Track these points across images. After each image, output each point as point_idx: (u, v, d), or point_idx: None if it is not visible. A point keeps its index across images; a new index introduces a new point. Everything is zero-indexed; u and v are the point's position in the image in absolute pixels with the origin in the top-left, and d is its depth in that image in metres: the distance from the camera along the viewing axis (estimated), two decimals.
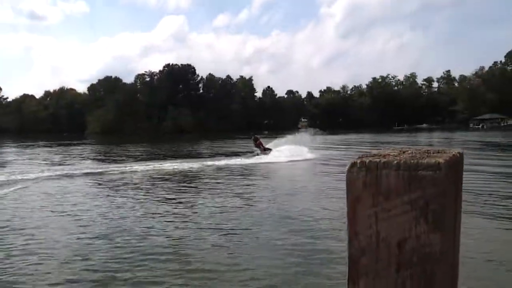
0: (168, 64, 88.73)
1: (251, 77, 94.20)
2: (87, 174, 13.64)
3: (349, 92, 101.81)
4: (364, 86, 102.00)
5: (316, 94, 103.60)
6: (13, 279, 4.41)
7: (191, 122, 78.17)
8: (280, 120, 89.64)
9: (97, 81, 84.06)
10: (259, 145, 22.33)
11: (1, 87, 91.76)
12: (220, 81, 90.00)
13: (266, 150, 21.38)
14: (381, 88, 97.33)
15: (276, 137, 25.11)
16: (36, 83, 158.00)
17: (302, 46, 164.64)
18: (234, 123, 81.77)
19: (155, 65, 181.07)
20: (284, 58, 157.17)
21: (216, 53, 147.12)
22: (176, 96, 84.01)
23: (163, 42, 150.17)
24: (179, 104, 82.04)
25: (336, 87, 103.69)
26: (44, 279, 4.39)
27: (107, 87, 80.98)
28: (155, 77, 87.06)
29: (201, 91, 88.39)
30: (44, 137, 55.07)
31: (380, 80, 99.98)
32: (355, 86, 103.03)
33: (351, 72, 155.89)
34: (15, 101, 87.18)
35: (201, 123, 79.22)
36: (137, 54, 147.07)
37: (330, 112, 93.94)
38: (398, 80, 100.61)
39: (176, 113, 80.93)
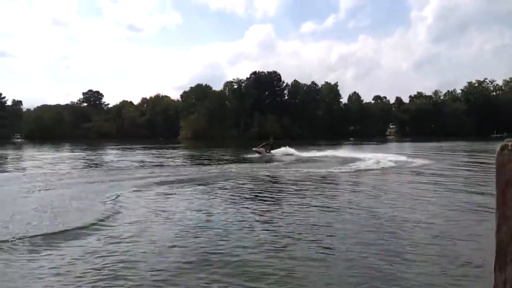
0: (255, 72, 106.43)
1: (336, 83, 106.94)
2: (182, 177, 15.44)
3: (441, 97, 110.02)
4: (458, 91, 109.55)
5: (406, 99, 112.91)
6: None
7: (277, 128, 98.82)
8: (367, 127, 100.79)
9: (189, 88, 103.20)
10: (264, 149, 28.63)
11: (103, 93, 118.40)
12: (305, 88, 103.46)
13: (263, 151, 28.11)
14: (477, 93, 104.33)
15: (361, 144, 31.24)
16: (134, 90, 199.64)
17: (390, 50, 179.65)
18: (318, 129, 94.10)
19: (244, 72, 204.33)
20: (371, 63, 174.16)
21: (302, 60, 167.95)
22: (262, 103, 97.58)
23: (251, 50, 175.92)
24: (265, 110, 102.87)
25: (427, 92, 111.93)
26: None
27: (198, 94, 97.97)
28: (243, 84, 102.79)
29: (286, 97, 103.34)
30: (142, 141, 69.77)
31: (476, 84, 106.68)
32: (448, 91, 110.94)
33: (443, 77, 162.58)
34: (115, 107, 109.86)
35: (286, 129, 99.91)
36: (226, 62, 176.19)
37: (421, 119, 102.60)
38: (497, 85, 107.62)
39: (262, 120, 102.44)
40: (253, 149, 28.51)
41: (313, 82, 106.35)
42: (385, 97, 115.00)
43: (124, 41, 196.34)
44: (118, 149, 43.75)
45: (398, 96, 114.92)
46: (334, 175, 16.21)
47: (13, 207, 9.40)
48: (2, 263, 5.63)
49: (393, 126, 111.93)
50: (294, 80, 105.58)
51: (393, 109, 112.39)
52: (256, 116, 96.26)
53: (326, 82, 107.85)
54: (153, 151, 37.30)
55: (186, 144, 63.54)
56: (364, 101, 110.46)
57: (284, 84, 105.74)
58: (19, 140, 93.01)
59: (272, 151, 28.82)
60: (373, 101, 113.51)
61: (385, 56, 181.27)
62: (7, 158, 29.59)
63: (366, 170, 18.06)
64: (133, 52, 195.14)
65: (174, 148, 45.03)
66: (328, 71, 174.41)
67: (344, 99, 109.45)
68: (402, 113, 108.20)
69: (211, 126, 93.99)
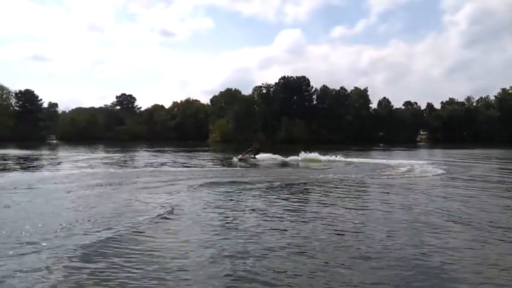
0: (284, 76, 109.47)
1: (366, 88, 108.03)
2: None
3: (474, 104, 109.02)
4: (492, 98, 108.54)
5: (437, 105, 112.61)
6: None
7: (304, 132, 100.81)
8: (396, 133, 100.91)
9: (218, 92, 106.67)
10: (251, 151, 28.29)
11: (136, 97, 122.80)
12: (334, 92, 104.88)
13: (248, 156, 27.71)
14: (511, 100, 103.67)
15: (390, 150, 32.05)
16: (165, 94, 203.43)
17: (422, 55, 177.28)
18: (347, 134, 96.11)
19: (273, 77, 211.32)
20: (402, 68, 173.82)
21: (331, 65, 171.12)
22: (290, 107, 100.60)
23: (281, 55, 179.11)
24: (293, 115, 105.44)
25: (460, 98, 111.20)
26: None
27: (227, 98, 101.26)
28: (271, 88, 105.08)
29: (314, 102, 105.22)
30: (172, 143, 71.80)
31: (510, 91, 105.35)
32: (481, 97, 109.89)
33: (476, 83, 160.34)
34: (147, 110, 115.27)
35: (314, 134, 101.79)
36: (256, 67, 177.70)
37: (452, 125, 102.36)
38: None
39: (289, 124, 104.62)
40: (238, 157, 27.37)
41: (342, 87, 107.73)
42: (416, 103, 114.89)
43: (157, 46, 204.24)
44: (152, 151, 45.23)
45: (429, 102, 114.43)
46: (366, 182, 15.70)
47: (91, 207, 9.50)
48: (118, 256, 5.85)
49: (424, 133, 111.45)
50: (323, 85, 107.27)
51: (424, 115, 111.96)
52: (284, 120, 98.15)
53: (356, 87, 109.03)
54: (188, 153, 38.89)
55: (215, 147, 65.38)
56: (394, 107, 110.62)
57: (313, 89, 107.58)
58: (54, 141, 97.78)
59: (256, 157, 28.13)
60: (403, 107, 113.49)
61: (417, 61, 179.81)
62: (55, 158, 31.31)
63: (401, 177, 17.46)
64: (165, 56, 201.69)
65: (204, 151, 46.56)
66: (358, 76, 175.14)
67: (374, 105, 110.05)
68: (434, 120, 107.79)
69: (239, 130, 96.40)
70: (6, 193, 11.59)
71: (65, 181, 14.46)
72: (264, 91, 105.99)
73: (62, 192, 11.94)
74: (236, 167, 22.47)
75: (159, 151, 44.49)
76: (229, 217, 8.65)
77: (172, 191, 12.01)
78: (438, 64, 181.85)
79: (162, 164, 24.01)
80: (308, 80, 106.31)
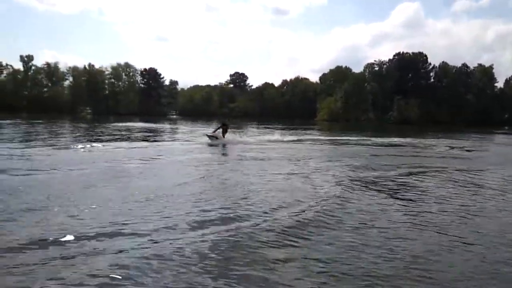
0: (399, 53, 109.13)
1: (492, 65, 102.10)
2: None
3: None
4: None
5: None
6: None
7: (419, 113, 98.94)
8: None
9: (328, 70, 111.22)
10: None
11: (248, 75, 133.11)
12: (454, 70, 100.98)
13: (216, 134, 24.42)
14: None
15: None
16: (275, 73, 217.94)
17: None
18: (467, 115, 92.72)
19: (386, 54, 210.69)
20: None
21: (452, 40, 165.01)
22: (404, 86, 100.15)
23: (395, 30, 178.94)
24: (407, 94, 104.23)
25: None
26: None
27: (337, 76, 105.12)
28: (384, 66, 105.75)
29: (431, 80, 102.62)
30: (280, 120, 78.33)
31: None
32: None
33: None
34: (258, 88, 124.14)
35: (430, 115, 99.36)
36: (367, 44, 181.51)
37: None
38: None
39: (402, 103, 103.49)
40: (206, 134, 25.31)
41: (464, 64, 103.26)
42: None
43: (268, 24, 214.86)
44: (267, 127, 49.22)
45: None
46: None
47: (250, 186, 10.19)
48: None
49: None
50: (442, 62, 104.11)
51: None
52: (396, 100, 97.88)
53: (479, 65, 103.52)
54: (299, 131, 42.50)
55: (322, 126, 68.53)
56: None
57: (431, 66, 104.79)
58: (174, 116, 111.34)
59: (225, 136, 25.17)
60: None
61: None
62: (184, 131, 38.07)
63: None
64: (276, 35, 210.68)
65: (311, 129, 49.88)
66: (482, 52, 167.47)
67: (499, 83, 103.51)
68: None
69: (348, 109, 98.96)
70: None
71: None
72: (377, 69, 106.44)
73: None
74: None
75: (273, 128, 47.59)
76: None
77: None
78: None
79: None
80: (425, 56, 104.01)
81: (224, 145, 22.91)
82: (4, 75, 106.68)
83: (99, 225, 6.28)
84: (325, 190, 9.75)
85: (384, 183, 11.33)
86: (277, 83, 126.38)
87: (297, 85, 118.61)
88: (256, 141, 25.75)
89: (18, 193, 8.38)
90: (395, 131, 50.79)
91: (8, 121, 45.36)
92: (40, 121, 50.24)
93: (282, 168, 13.35)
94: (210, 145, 22.54)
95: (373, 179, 11.83)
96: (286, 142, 26.75)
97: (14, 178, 10.29)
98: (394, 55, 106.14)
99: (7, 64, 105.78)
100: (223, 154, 19.21)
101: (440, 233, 6.63)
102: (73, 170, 11.74)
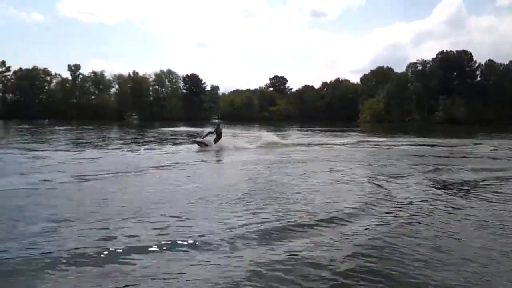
0: (442, 51, 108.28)
1: None
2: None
3: None
4: None
5: None
6: None
7: (465, 112, 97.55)
8: None
9: (369, 71, 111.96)
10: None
11: (287, 78, 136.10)
12: (501, 68, 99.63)
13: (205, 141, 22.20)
14: None
15: None
16: (314, 75, 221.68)
17: None
18: None
19: (428, 53, 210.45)
20: None
21: (498, 37, 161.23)
22: (449, 85, 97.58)
23: (438, 28, 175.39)
24: (452, 93, 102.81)
25: None
26: None
27: (379, 77, 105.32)
28: (427, 65, 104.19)
29: (478, 79, 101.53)
30: (322, 123, 78.26)
31: None
32: None
33: None
34: (297, 91, 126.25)
35: (476, 113, 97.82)
36: (409, 43, 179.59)
37: None
38: None
39: (448, 103, 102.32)
40: (195, 140, 23.55)
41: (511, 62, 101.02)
42: None
43: (306, 26, 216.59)
44: (313, 131, 48.71)
45: None
46: None
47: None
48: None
49: None
50: (489, 60, 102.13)
51: None
52: (441, 99, 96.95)
53: None
54: (345, 133, 42.39)
55: (366, 127, 68.43)
56: None
57: (476, 64, 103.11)
58: (216, 120, 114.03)
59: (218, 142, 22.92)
60: None
61: None
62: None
63: None
64: (315, 37, 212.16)
65: (353, 131, 50.01)
66: None
67: None
68: None
69: (391, 110, 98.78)
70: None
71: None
72: (420, 68, 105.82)
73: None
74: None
75: (318, 131, 48.39)
76: None
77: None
78: None
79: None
80: (470, 54, 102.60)
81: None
82: (54, 84, 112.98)
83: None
84: (412, 195, 9.52)
85: (473, 187, 10.87)
86: (317, 85, 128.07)
87: (338, 87, 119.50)
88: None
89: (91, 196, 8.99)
90: (446, 131, 50.29)
91: (61, 128, 49.00)
92: (90, 127, 53.52)
93: (354, 172, 13.24)
94: (201, 150, 21.00)
95: (456, 183, 11.39)
96: (345, 145, 26.69)
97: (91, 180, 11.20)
98: (438, 54, 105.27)
99: (56, 74, 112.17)
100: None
101: None
102: (129, 174, 12.63)
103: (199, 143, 22.38)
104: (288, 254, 5.39)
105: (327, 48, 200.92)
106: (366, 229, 6.65)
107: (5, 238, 5.88)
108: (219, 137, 22.99)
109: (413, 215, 7.60)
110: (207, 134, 23.33)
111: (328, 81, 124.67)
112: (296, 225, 6.65)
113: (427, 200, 8.92)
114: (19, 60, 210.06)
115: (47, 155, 17.40)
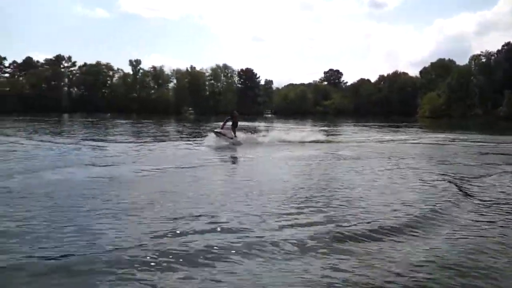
0: (508, 43, 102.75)
1: None
2: None
3: None
4: None
5: None
6: None
7: None
8: None
9: (429, 64, 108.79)
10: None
11: (343, 72, 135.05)
12: None
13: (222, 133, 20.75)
14: None
15: None
16: (371, 68, 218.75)
17: None
18: None
19: (493, 44, 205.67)
20: None
21: None
22: None
23: (504, 19, 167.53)
24: None
25: None
26: None
27: (440, 69, 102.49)
28: (492, 57, 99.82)
29: None
30: (378, 118, 78.31)
31: None
32: None
33: None
34: (353, 85, 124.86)
35: None
36: (472, 34, 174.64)
37: None
38: None
39: None
40: (215, 131, 21.47)
41: None
42: None
43: (364, 18, 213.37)
44: (370, 126, 47.31)
45: None
46: None
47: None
48: None
49: None
50: None
51: None
52: (506, 93, 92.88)
53: None
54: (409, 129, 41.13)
55: (424, 122, 66.81)
56: None
57: None
58: (269, 115, 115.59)
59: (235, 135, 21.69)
60: None
61: None
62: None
63: None
64: (372, 29, 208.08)
65: (412, 126, 48.75)
66: None
67: None
68: None
69: (452, 104, 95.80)
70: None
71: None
72: (484, 60, 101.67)
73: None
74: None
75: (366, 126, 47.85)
76: None
77: None
78: None
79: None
80: None
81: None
82: (116, 78, 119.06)
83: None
84: (497, 197, 8.97)
85: None
86: (373, 78, 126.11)
87: (395, 80, 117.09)
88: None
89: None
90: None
91: (122, 121, 52.31)
92: (150, 121, 56.36)
93: (422, 170, 12.79)
94: (217, 148, 19.59)
95: None
96: (405, 141, 25.59)
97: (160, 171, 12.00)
98: (503, 46, 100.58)
99: (118, 69, 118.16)
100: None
101: None
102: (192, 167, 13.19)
103: (218, 133, 20.81)
104: (358, 261, 5.06)
105: (385, 40, 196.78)
106: (447, 238, 6.04)
107: (75, 229, 6.10)
108: (235, 125, 22.06)
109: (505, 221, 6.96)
110: (225, 122, 22.06)
111: (385, 74, 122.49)
112: (364, 231, 6.13)
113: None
114: (84, 55, 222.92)
115: (113, 147, 18.92)
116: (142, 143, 21.79)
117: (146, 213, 7.04)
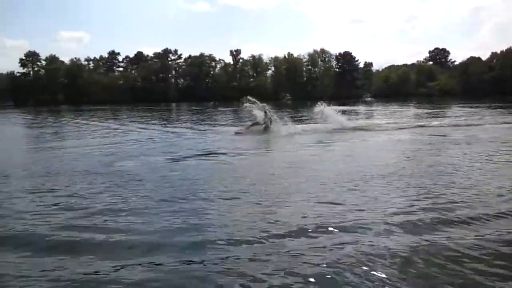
0: None
1: None
2: None
3: None
4: None
5: None
6: None
7: None
8: None
9: None
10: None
11: (450, 51, 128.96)
12: None
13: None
14: None
15: None
16: (481, 46, 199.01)
17: None
18: None
19: None
20: None
21: None
22: None
23: None
24: None
25: None
26: None
27: None
28: None
29: None
30: (491, 99, 68.79)
31: None
32: None
33: None
34: (461, 64, 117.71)
35: None
36: None
37: None
38: None
39: None
40: (238, 131, 22.26)
41: None
42: None
43: None
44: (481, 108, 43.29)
45: None
46: None
47: None
48: None
49: None
50: None
51: None
52: None
53: None
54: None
55: None
56: None
57: None
58: (369, 99, 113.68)
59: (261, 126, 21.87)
60: None
61: None
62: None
63: None
64: (484, 2, 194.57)
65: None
66: None
67: None
68: None
69: None
70: None
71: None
72: None
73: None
74: None
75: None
76: None
77: None
78: None
79: None
80: None
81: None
82: (218, 69, 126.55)
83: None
84: None
85: None
86: (484, 57, 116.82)
87: (510, 57, 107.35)
88: None
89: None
90: None
91: (226, 109, 58.91)
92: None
93: None
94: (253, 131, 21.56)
95: None
96: None
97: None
98: None
99: (219, 59, 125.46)
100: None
101: None
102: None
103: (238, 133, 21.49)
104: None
105: (498, 14, 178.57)
106: None
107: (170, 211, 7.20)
108: (270, 121, 22.06)
109: None
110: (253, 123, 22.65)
111: (499, 51, 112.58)
112: (478, 215, 6.39)
113: None
114: (188, 48, 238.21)
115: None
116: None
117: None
